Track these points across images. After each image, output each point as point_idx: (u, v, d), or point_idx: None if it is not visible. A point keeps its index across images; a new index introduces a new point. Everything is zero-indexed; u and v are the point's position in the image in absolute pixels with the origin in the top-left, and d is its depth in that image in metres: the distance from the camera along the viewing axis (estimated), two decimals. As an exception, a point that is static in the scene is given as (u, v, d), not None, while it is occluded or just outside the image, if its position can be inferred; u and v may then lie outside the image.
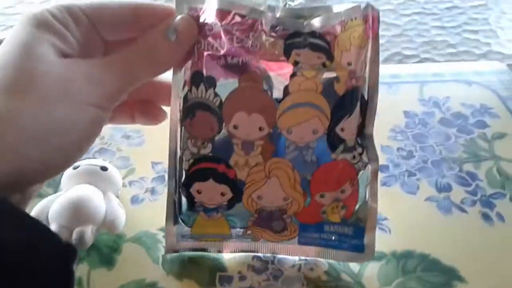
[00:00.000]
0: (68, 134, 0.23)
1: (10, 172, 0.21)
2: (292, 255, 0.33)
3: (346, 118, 0.30)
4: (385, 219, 0.36)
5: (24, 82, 0.22)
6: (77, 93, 0.23)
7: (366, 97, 0.30)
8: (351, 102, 0.30)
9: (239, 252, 0.33)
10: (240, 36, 0.28)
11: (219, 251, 0.33)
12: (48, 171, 0.23)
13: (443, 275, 0.32)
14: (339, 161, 0.30)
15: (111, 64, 0.25)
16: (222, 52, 0.28)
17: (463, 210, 0.36)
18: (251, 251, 0.33)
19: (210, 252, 0.33)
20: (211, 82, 0.29)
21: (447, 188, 0.38)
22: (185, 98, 0.30)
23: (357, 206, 0.32)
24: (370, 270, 0.32)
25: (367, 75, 0.30)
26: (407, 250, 0.34)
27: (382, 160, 0.40)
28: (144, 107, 0.32)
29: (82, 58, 0.25)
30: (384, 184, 0.38)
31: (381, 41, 0.59)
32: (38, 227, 0.21)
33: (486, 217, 0.36)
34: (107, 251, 0.34)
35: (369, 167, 0.31)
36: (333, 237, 0.32)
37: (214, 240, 0.33)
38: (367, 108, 0.30)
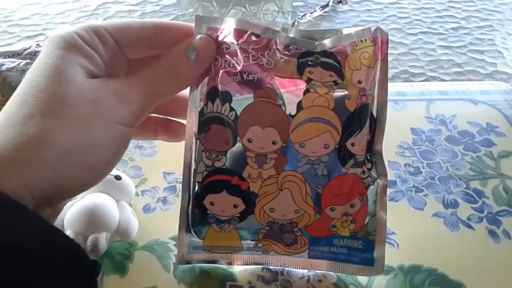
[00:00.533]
0: (99, 152, 0.24)
1: (46, 189, 0.22)
2: (302, 268, 0.33)
3: (356, 133, 0.31)
4: (393, 233, 0.36)
5: (58, 105, 0.23)
6: (106, 112, 0.24)
7: (375, 115, 0.31)
8: (361, 118, 0.31)
9: (249, 264, 0.34)
10: (256, 54, 0.29)
11: (230, 263, 0.34)
12: (79, 187, 0.24)
13: (450, 290, 0.32)
14: (349, 175, 0.31)
15: (137, 82, 0.26)
16: (238, 69, 0.29)
17: (470, 227, 0.37)
18: (261, 264, 0.34)
19: (221, 264, 0.34)
20: (227, 97, 0.30)
21: (454, 205, 0.38)
22: (201, 113, 0.31)
23: (366, 221, 0.32)
24: (378, 283, 0.33)
25: (376, 94, 0.31)
26: (415, 265, 0.34)
27: (390, 175, 0.41)
28: (167, 124, 0.33)
29: (108, 77, 0.26)
30: (391, 199, 0.39)
31: (388, 59, 0.60)
32: (68, 242, 0.21)
33: (493, 234, 0.36)
34: (119, 258, 0.34)
35: (378, 182, 0.32)
36: (342, 251, 0.33)
37: (225, 252, 0.33)
38: (376, 126, 0.31)
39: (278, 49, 0.30)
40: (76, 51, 0.24)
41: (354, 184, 0.31)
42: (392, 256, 0.34)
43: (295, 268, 0.33)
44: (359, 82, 0.30)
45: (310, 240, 0.32)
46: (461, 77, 0.56)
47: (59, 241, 0.21)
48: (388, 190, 0.39)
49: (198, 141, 0.31)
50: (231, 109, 0.30)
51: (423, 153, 0.43)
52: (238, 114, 0.30)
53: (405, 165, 0.42)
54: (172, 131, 0.33)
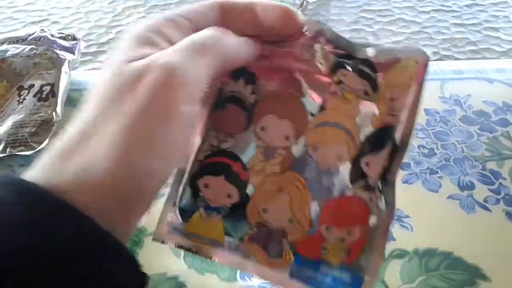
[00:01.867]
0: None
1: (130, 189, 0.22)
2: (279, 285, 0.31)
3: (374, 153, 0.28)
4: (407, 216, 0.35)
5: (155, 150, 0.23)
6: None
7: (397, 142, 0.28)
8: (383, 138, 0.28)
9: (226, 264, 0.30)
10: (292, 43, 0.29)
11: (206, 256, 0.30)
12: (158, 186, 0.25)
13: (466, 273, 0.32)
14: (356, 197, 0.29)
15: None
16: (269, 54, 0.29)
17: (486, 209, 0.36)
18: (237, 269, 0.32)
19: (196, 254, 0.30)
20: (251, 78, 0.29)
21: (470, 186, 0.37)
22: (220, 90, 0.29)
23: (361, 255, 0.29)
24: (393, 267, 0.32)
25: (404, 119, 0.29)
26: (430, 248, 0.33)
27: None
28: None
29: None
30: (405, 181, 0.38)
31: (400, 38, 0.58)
32: (125, 254, 0.22)
33: (510, 216, 0.35)
34: (129, 245, 0.34)
35: (384, 215, 0.29)
36: (327, 280, 0.29)
37: (203, 243, 0.30)
38: (395, 154, 0.29)
39: (319, 41, 0.29)
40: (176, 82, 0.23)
41: (358, 209, 0.29)
42: (406, 239, 0.33)
43: (272, 283, 0.31)
44: (391, 99, 0.28)
45: (296, 259, 0.29)
46: (476, 56, 0.54)
47: (120, 255, 0.21)
48: (402, 172, 0.39)
49: (208, 118, 0.30)
50: (254, 92, 0.29)
51: (437, 134, 0.42)
52: (259, 99, 0.29)
53: (418, 146, 0.41)
54: None
